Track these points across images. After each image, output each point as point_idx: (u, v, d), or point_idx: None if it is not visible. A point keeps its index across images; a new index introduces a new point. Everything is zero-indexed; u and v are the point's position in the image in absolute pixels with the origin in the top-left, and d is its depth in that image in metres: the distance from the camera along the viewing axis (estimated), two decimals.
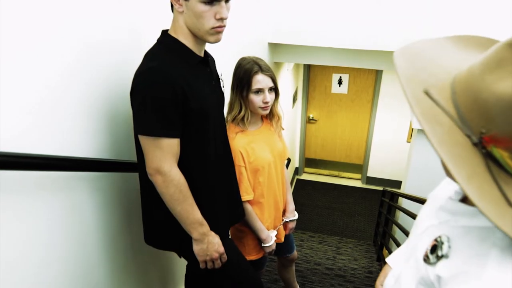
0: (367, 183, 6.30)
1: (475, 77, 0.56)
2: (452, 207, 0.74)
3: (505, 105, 0.51)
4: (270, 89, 1.59)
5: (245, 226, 1.73)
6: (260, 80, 1.55)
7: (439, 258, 0.68)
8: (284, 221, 1.87)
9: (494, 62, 0.54)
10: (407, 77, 0.60)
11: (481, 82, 0.55)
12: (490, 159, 0.54)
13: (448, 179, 0.86)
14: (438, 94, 0.59)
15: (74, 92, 1.20)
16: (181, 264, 2.05)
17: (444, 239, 0.69)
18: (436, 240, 0.71)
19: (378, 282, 1.07)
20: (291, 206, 1.90)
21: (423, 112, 0.57)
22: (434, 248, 0.70)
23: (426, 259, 0.71)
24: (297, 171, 6.51)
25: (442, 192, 0.84)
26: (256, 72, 1.55)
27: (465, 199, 0.74)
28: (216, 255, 1.35)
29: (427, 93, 0.58)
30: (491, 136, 0.53)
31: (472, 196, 0.51)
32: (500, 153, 0.53)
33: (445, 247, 0.68)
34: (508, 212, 0.52)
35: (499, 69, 0.53)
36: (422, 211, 0.89)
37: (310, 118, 6.15)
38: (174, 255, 1.64)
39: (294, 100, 5.71)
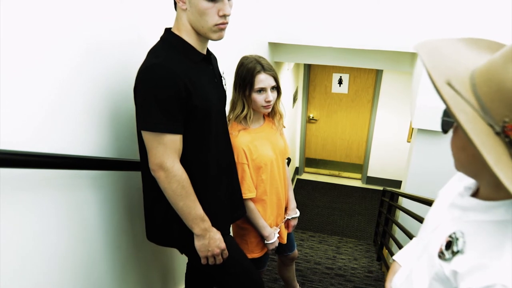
0: (367, 183, 6.31)
1: (497, 69, 0.58)
2: (463, 203, 0.74)
3: None
4: (272, 88, 1.60)
5: (248, 224, 1.74)
6: (263, 80, 1.56)
7: (454, 253, 0.69)
8: (286, 218, 1.88)
9: None
10: (432, 69, 0.62)
11: (504, 73, 0.57)
12: None
13: (458, 175, 0.87)
14: (458, 86, 0.60)
15: (78, 92, 1.21)
16: (182, 262, 2.06)
17: (458, 235, 0.70)
18: (450, 236, 0.72)
19: (388, 281, 1.05)
20: (293, 203, 1.91)
21: (450, 101, 0.58)
22: (449, 244, 0.71)
23: (441, 256, 0.72)
24: (297, 171, 6.51)
25: (452, 189, 0.84)
26: (258, 72, 1.55)
27: (475, 194, 0.75)
28: (217, 250, 1.36)
29: (449, 84, 0.60)
30: None
31: (503, 179, 0.53)
32: None
33: (460, 242, 0.69)
34: None
35: None
36: (432, 209, 0.90)
37: (310, 117, 6.15)
38: (175, 253, 1.65)
39: (294, 99, 5.71)
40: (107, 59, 1.34)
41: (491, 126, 0.57)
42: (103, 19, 1.29)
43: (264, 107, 1.61)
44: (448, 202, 0.81)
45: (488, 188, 0.69)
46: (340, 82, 5.77)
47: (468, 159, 0.68)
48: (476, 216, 0.70)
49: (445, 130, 0.72)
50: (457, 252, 0.68)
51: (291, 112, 5.56)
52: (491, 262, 0.61)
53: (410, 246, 1.08)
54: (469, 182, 0.78)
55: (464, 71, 0.64)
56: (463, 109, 0.58)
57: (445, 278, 0.70)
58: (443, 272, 0.70)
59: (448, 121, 0.69)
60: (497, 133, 0.57)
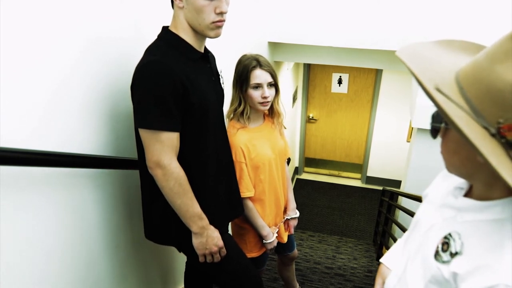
0: (367, 182, 6.30)
1: (484, 70, 0.58)
2: (458, 204, 0.74)
3: None
4: (270, 84, 1.60)
5: (247, 223, 1.73)
6: (259, 75, 1.56)
7: (453, 255, 0.68)
8: (285, 218, 1.87)
9: (502, 53, 0.56)
10: (421, 76, 0.61)
11: (491, 73, 0.56)
12: (510, 148, 0.55)
13: (441, 175, 0.87)
14: (447, 90, 0.59)
15: (76, 89, 1.21)
16: (182, 261, 2.05)
17: (454, 236, 0.69)
18: (445, 237, 0.71)
19: (377, 284, 1.05)
20: (292, 204, 1.90)
21: (445, 107, 0.57)
22: (445, 246, 0.70)
23: (437, 258, 0.71)
24: (297, 171, 6.51)
25: (440, 189, 0.84)
26: (254, 67, 1.56)
27: (468, 194, 0.74)
28: (215, 248, 1.36)
29: (438, 90, 0.59)
30: (510, 125, 0.54)
31: (509, 180, 0.52)
32: None
33: (457, 244, 0.68)
34: None
35: (509, 60, 0.55)
36: (421, 210, 0.89)
37: (310, 117, 6.15)
38: (174, 252, 1.64)
39: (294, 99, 5.71)
40: (106, 56, 1.33)
41: (485, 128, 0.56)
42: (102, 16, 1.29)
43: (261, 103, 1.60)
44: (438, 203, 0.81)
45: (482, 187, 0.69)
46: (339, 81, 5.77)
47: (461, 161, 0.67)
48: (472, 216, 0.69)
49: (434, 136, 0.72)
50: (456, 253, 0.67)
51: (291, 112, 5.56)
52: (492, 262, 0.61)
53: (397, 248, 1.07)
54: (459, 181, 0.78)
55: (447, 74, 0.63)
56: (457, 114, 0.57)
57: (444, 281, 0.70)
58: (441, 274, 0.70)
59: (437, 127, 0.68)
60: (493, 135, 0.56)
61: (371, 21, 3.24)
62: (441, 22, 2.98)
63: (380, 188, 5.24)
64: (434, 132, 0.71)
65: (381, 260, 1.10)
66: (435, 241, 0.73)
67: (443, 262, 0.69)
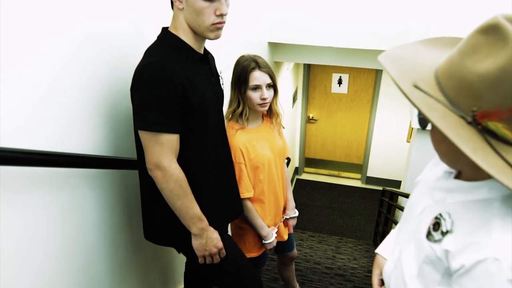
0: (366, 183, 6.30)
1: (455, 64, 0.64)
2: (447, 185, 0.78)
3: (489, 82, 0.58)
4: (268, 86, 1.60)
5: (246, 223, 1.73)
6: (258, 77, 1.56)
7: (444, 234, 0.72)
8: (284, 218, 1.87)
9: (470, 48, 0.62)
10: (397, 76, 0.67)
11: (462, 67, 0.62)
12: (487, 133, 0.60)
13: (432, 162, 0.92)
14: (425, 86, 0.65)
15: (74, 88, 1.20)
16: (182, 261, 2.05)
17: (445, 215, 0.73)
18: (436, 217, 0.75)
19: (374, 275, 1.08)
20: (291, 203, 1.91)
21: (419, 103, 0.63)
22: (436, 226, 0.74)
23: (430, 238, 0.75)
24: (297, 171, 6.51)
25: (430, 175, 0.88)
26: (253, 69, 1.55)
27: (457, 177, 0.79)
28: (215, 250, 1.36)
29: (416, 87, 0.65)
30: (483, 112, 0.59)
31: (484, 166, 0.56)
32: (495, 125, 0.59)
33: (448, 222, 0.72)
34: None
35: (476, 53, 0.60)
36: (412, 197, 0.93)
37: (310, 117, 6.15)
38: (174, 252, 1.64)
39: (294, 99, 5.71)
40: (106, 54, 1.33)
41: (462, 117, 0.62)
42: (102, 13, 1.28)
43: (260, 105, 1.60)
44: (429, 187, 0.85)
45: (470, 171, 0.73)
46: (339, 82, 5.77)
47: (447, 149, 0.72)
48: (461, 197, 0.74)
49: (423, 127, 0.78)
50: (447, 232, 0.72)
51: (291, 112, 5.56)
52: (480, 238, 0.66)
53: (391, 237, 1.10)
54: (448, 166, 0.82)
55: (428, 71, 0.69)
56: (434, 108, 0.63)
57: (437, 260, 0.73)
58: (434, 253, 0.73)
59: (424, 118, 0.72)
60: (469, 123, 0.61)
61: (370, 21, 3.24)
62: (441, 22, 2.98)
63: (380, 188, 5.24)
64: (422, 122, 0.77)
65: (376, 250, 1.13)
66: (427, 223, 0.78)
67: (435, 241, 0.74)
